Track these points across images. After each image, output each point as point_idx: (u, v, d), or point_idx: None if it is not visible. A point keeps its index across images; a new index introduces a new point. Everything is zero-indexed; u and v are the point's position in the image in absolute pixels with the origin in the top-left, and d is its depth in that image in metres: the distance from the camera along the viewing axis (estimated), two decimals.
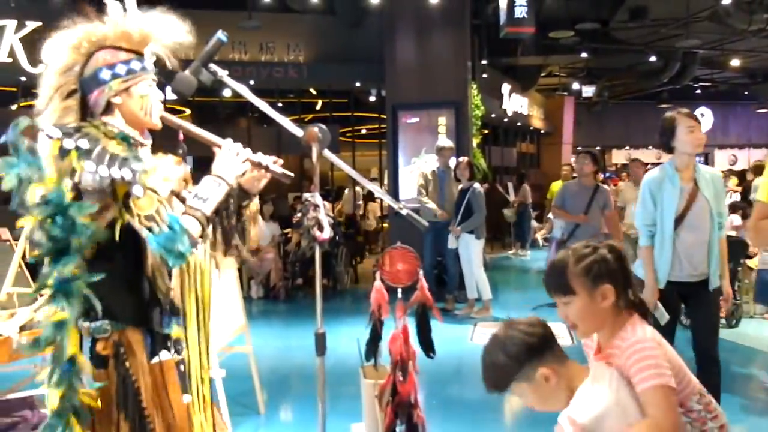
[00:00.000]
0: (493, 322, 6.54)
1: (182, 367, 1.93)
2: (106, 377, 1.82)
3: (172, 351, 1.89)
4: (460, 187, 7.13)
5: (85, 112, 1.86)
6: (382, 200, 12.64)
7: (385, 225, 11.74)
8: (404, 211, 2.03)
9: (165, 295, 1.85)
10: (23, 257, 3.25)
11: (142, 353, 1.84)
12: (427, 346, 2.85)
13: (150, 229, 1.72)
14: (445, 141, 7.68)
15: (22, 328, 3.11)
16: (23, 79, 8.86)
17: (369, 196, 13.80)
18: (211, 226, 1.94)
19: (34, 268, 1.83)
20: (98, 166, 1.69)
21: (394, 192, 8.79)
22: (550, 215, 8.68)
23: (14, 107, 9.25)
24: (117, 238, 1.74)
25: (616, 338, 1.77)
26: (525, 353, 1.72)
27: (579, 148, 18.61)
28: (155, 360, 1.86)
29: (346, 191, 12.86)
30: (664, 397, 1.63)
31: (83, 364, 1.72)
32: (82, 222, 1.66)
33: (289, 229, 9.20)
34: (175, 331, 1.90)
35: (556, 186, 10.81)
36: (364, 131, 14.65)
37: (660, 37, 13.61)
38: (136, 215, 1.72)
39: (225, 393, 3.82)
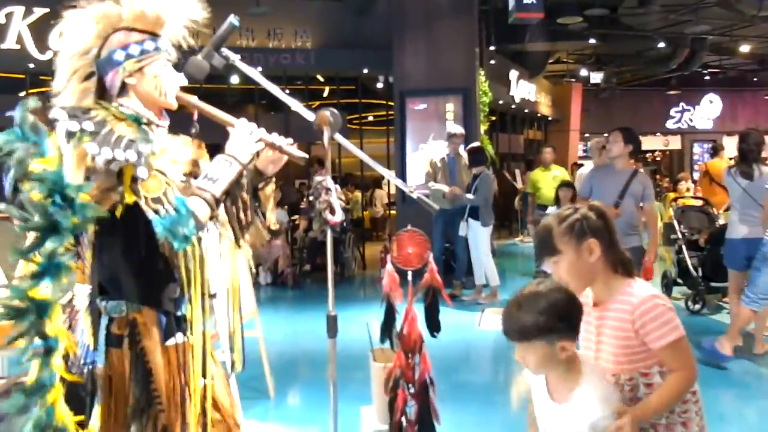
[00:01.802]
0: (501, 308, 6.55)
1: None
2: (121, 357, 1.85)
3: (189, 333, 1.91)
4: (473, 173, 7.16)
5: (104, 93, 1.88)
6: (389, 187, 12.67)
7: (392, 212, 11.76)
8: (415, 195, 2.05)
9: (180, 278, 1.87)
10: None
11: (157, 334, 1.86)
12: (434, 326, 2.87)
13: (156, 212, 1.73)
14: (455, 127, 7.66)
15: None
16: (31, 66, 8.88)
17: (376, 183, 13.81)
18: (223, 207, 1.95)
19: None
20: (102, 147, 1.70)
21: (401, 179, 8.79)
22: (549, 210, 6.85)
23: (22, 94, 9.26)
24: (119, 217, 1.76)
25: (622, 294, 1.84)
26: (565, 312, 1.76)
27: (587, 135, 18.57)
28: (171, 342, 1.88)
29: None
30: (684, 349, 1.81)
31: (67, 342, 1.70)
32: (81, 202, 1.66)
33: (296, 216, 9.23)
34: (194, 312, 1.92)
35: (537, 176, 9.00)
36: (371, 118, 14.63)
37: (669, 23, 13.50)
38: (143, 197, 1.74)
39: (235, 377, 3.86)
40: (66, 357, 1.72)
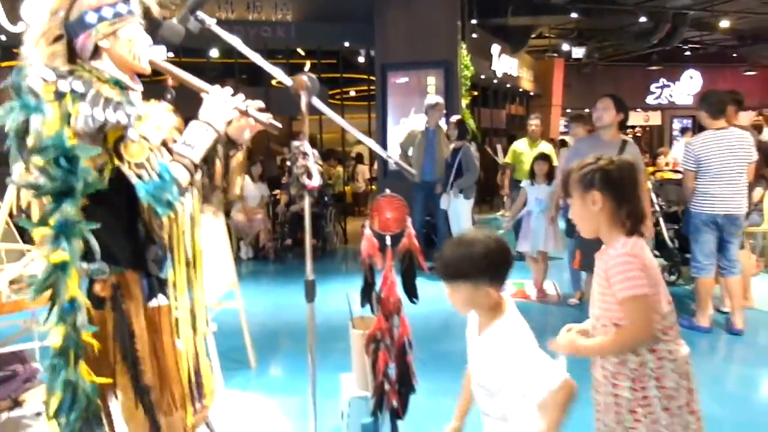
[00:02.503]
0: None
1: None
2: (103, 318, 1.86)
3: (170, 296, 1.92)
4: (451, 146, 7.13)
5: (73, 57, 1.85)
6: (371, 162, 12.66)
7: (374, 188, 11.76)
8: (392, 161, 2.06)
9: (161, 240, 1.88)
10: (10, 215, 3.25)
11: (139, 296, 1.87)
12: (411, 292, 2.91)
13: (140, 177, 1.73)
14: (434, 98, 7.62)
15: (12, 283, 3.14)
16: (2, 38, 8.69)
17: (358, 159, 13.79)
18: (199, 173, 1.95)
19: (21, 229, 1.83)
20: (93, 108, 1.69)
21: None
22: (523, 184, 6.27)
23: None
24: (106, 183, 1.75)
25: (611, 247, 1.95)
26: (496, 262, 1.89)
27: (568, 111, 18.62)
28: (152, 304, 1.89)
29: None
30: (641, 307, 1.86)
31: (83, 305, 1.73)
32: (85, 165, 1.67)
33: (278, 191, 9.21)
34: (172, 276, 1.93)
35: (521, 149, 7.98)
36: (353, 93, 14.56)
37: None
38: (127, 162, 1.74)
39: (216, 348, 3.88)
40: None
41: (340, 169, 12.38)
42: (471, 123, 9.80)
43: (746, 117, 6.18)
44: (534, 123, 7.87)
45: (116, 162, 1.75)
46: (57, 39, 1.83)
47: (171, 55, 2.00)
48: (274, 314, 5.78)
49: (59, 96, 1.69)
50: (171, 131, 1.97)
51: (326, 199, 9.10)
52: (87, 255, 1.81)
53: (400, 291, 2.84)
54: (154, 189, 1.74)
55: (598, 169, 1.94)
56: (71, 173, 1.65)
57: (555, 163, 6.61)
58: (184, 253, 1.95)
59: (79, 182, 1.66)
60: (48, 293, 1.69)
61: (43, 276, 1.68)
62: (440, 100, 7.49)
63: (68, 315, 1.69)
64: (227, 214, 7.87)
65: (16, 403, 3.10)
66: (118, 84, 1.84)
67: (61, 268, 1.67)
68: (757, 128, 8.97)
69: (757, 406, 3.71)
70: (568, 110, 18.60)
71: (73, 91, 1.70)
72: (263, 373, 4.33)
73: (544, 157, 6.21)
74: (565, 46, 17.79)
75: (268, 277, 7.82)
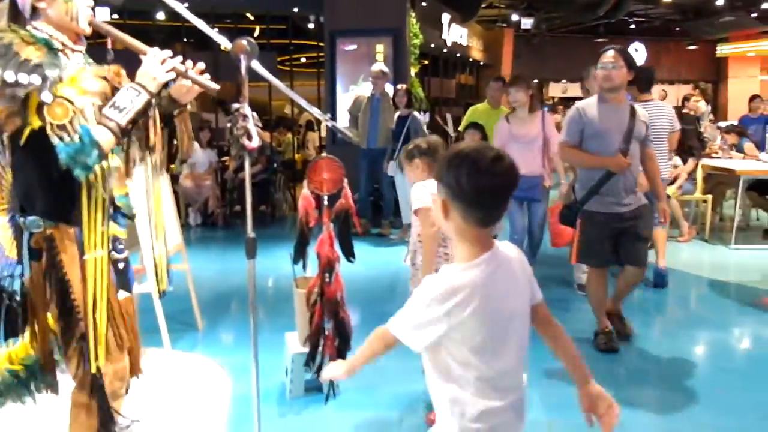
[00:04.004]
0: None
1: (120, 265, 2.04)
2: (39, 269, 1.94)
3: (107, 249, 2.00)
4: (398, 114, 7.21)
5: (17, 16, 1.89)
6: (320, 130, 12.65)
7: (324, 154, 11.75)
8: (329, 123, 2.15)
9: (96, 196, 1.95)
10: None
11: (74, 248, 1.94)
12: (348, 251, 3.05)
13: (61, 138, 1.79)
14: (379, 65, 7.68)
15: None
16: None
17: (309, 126, 13.74)
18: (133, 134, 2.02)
19: None
20: (5, 70, 1.74)
21: (332, 120, 8.81)
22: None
23: None
24: (27, 142, 1.82)
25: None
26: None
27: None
28: (87, 256, 1.96)
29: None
30: (425, 215, 2.78)
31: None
32: None
33: (226, 157, 9.17)
34: (112, 230, 2.00)
35: (480, 116, 6.34)
36: (304, 60, 14.43)
37: None
38: (49, 123, 1.79)
39: (163, 310, 3.94)
40: None
41: (289, 136, 12.34)
42: (419, 92, 9.89)
43: (686, 89, 6.47)
44: (495, 86, 6.60)
45: (37, 123, 1.81)
46: None
47: (115, 17, 2.03)
48: (222, 278, 5.84)
49: None
50: (99, 95, 1.99)
51: (275, 165, 9.12)
52: (24, 209, 1.88)
53: (336, 249, 2.97)
54: (74, 152, 1.80)
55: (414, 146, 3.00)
56: None
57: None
58: (100, 206, 2.01)
59: None
60: None
61: None
62: (382, 67, 7.54)
63: None
64: (174, 180, 7.83)
65: None
66: (47, 44, 1.88)
67: None
68: (686, 99, 9.40)
69: (679, 354, 3.98)
70: None
71: None
72: (210, 335, 4.42)
73: (476, 126, 5.46)
74: (515, 17, 17.94)
75: (216, 243, 7.84)
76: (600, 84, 3.84)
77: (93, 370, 1.97)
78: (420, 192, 2.89)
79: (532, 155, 5.01)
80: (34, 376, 2.02)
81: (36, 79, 1.77)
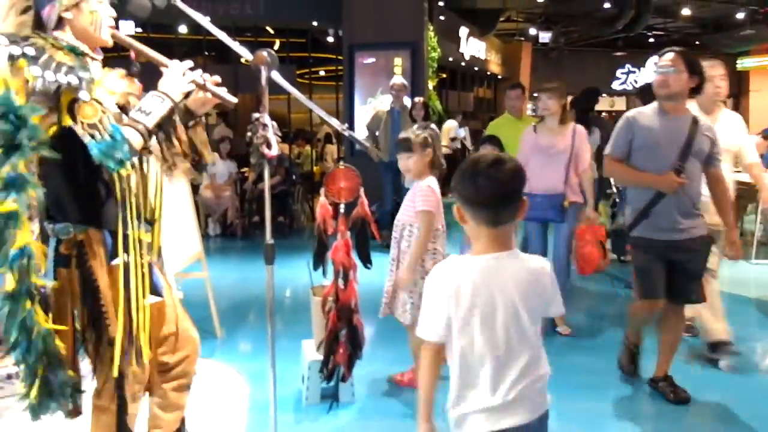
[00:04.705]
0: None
1: (145, 270, 2.09)
2: (69, 275, 1.99)
3: (137, 253, 2.05)
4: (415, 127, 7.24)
5: (40, 27, 1.97)
6: (339, 142, 12.75)
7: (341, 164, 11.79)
8: (347, 133, 2.20)
9: (125, 200, 2.01)
10: None
11: (102, 254, 2.00)
12: (365, 257, 3.10)
13: (92, 137, 1.86)
14: (398, 78, 7.75)
15: None
16: None
17: (327, 139, 13.84)
18: (154, 139, 2.08)
19: None
20: (44, 71, 1.82)
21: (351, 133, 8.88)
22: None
23: None
24: (56, 141, 1.87)
25: (420, 180, 3.25)
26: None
27: (535, 95, 18.87)
28: (116, 261, 2.02)
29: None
30: (427, 218, 3.14)
31: (36, 252, 1.84)
32: (33, 123, 1.79)
33: (246, 168, 9.26)
34: (142, 234, 2.06)
35: (502, 129, 5.60)
36: (322, 73, 14.57)
37: None
38: (80, 122, 1.86)
39: None
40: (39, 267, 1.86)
41: (308, 148, 12.44)
42: (437, 105, 9.95)
43: None
44: (514, 95, 6.00)
45: (69, 122, 1.87)
46: (26, 10, 1.97)
47: (139, 30, 2.12)
48: (240, 287, 5.90)
49: (11, 59, 1.81)
50: (123, 96, 2.09)
51: (294, 177, 9.20)
52: (53, 216, 1.94)
53: (352, 257, 3.02)
54: (106, 147, 1.87)
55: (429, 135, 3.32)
56: (19, 129, 1.76)
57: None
58: (140, 209, 2.07)
59: (27, 139, 1.77)
60: None
61: None
62: (401, 80, 7.60)
63: (17, 261, 1.79)
64: (195, 190, 7.93)
65: None
66: (73, 51, 1.97)
67: (9, 217, 1.77)
68: None
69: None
70: (535, 94, 18.86)
71: (24, 55, 1.82)
72: (229, 343, 4.47)
73: (492, 139, 5.06)
74: (533, 31, 18.00)
75: (235, 253, 7.92)
76: (656, 91, 3.35)
77: (115, 374, 2.02)
78: (428, 195, 3.15)
79: (555, 170, 4.41)
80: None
81: (73, 79, 1.85)
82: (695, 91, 3.34)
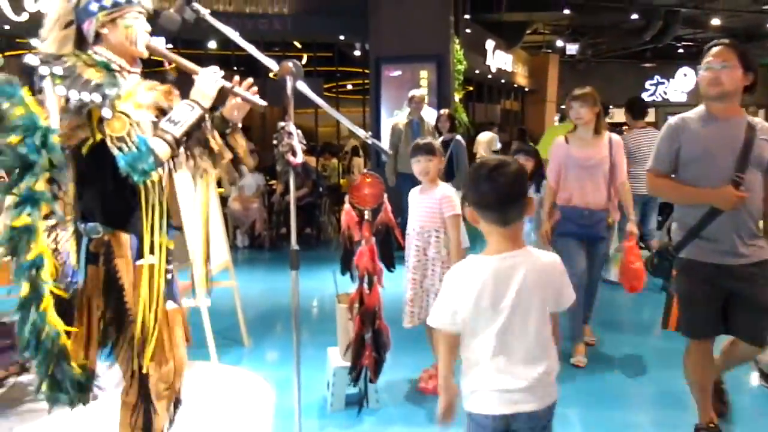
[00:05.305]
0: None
1: (168, 276, 2.18)
2: (97, 273, 2.09)
3: (161, 257, 2.15)
4: (441, 139, 7.29)
5: (82, 41, 2.09)
6: (365, 155, 12.85)
7: (365, 170, 11.87)
8: (370, 141, 2.26)
9: (150, 206, 2.11)
10: None
11: (128, 255, 2.10)
12: (389, 262, 3.16)
13: (120, 149, 1.96)
14: (416, 90, 7.73)
15: None
16: (7, 27, 8.86)
17: (354, 152, 13.97)
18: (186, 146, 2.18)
19: None
20: (69, 90, 1.94)
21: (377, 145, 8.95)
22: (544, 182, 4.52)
23: None
24: (89, 154, 2.01)
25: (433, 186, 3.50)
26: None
27: (562, 107, 18.81)
28: (140, 262, 2.10)
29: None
30: (457, 221, 3.42)
31: (49, 261, 1.96)
32: (52, 142, 1.91)
33: (274, 181, 9.39)
34: (162, 239, 2.15)
35: (555, 134, 5.18)
36: (349, 87, 14.72)
37: None
38: (109, 136, 1.98)
39: (211, 326, 4.07)
40: (53, 274, 1.97)
41: (335, 161, 12.57)
42: (463, 117, 9.99)
43: None
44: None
45: (99, 136, 1.99)
46: (69, 24, 2.10)
47: (170, 46, 2.23)
48: (267, 297, 5.98)
49: (41, 79, 1.94)
50: (152, 107, 2.18)
51: (321, 189, 9.29)
52: (85, 216, 2.05)
53: (377, 262, 3.08)
54: (132, 159, 1.98)
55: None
56: (36, 151, 1.89)
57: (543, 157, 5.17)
58: (160, 216, 2.16)
59: (41, 158, 1.90)
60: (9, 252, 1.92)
61: (5, 236, 1.91)
62: (420, 92, 7.60)
63: (29, 271, 1.91)
64: (223, 202, 8.06)
65: (24, 369, 3.30)
66: (106, 66, 2.08)
67: (25, 230, 1.90)
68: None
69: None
70: (562, 106, 18.80)
71: (52, 75, 1.94)
72: (255, 350, 4.53)
73: (527, 151, 4.79)
74: (560, 43, 17.98)
75: (262, 264, 8.02)
76: (704, 90, 2.85)
77: (139, 369, 2.11)
78: (452, 200, 3.43)
79: (595, 184, 4.07)
80: (92, 377, 2.17)
81: (96, 97, 1.96)
82: (749, 90, 2.84)
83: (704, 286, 2.83)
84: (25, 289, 1.90)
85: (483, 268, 1.80)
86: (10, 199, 1.92)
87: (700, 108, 2.90)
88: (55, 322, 1.94)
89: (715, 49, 2.80)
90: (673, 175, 2.92)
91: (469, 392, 1.85)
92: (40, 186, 1.90)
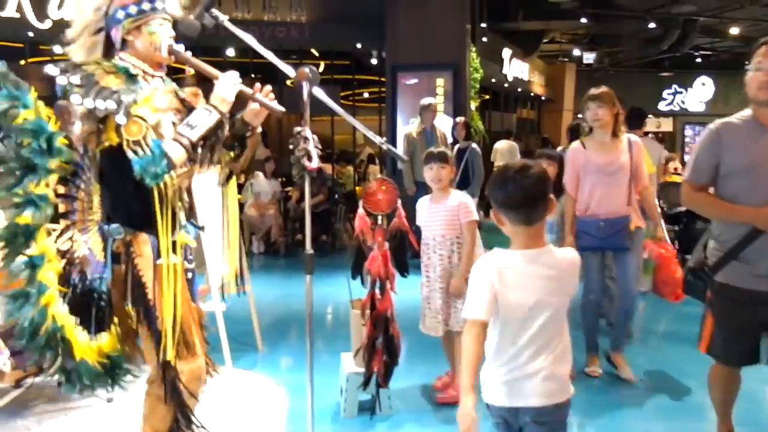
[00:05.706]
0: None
1: (189, 275, 2.23)
2: (121, 272, 2.16)
3: (180, 255, 2.20)
4: (457, 147, 7.31)
5: (110, 46, 2.16)
6: (381, 163, 12.89)
7: (379, 176, 11.91)
8: (385, 146, 2.28)
9: (169, 207, 2.16)
10: None
11: (149, 254, 2.15)
12: (402, 266, 3.18)
13: (135, 153, 2.03)
14: (428, 99, 7.71)
15: None
16: (30, 34, 8.99)
17: (370, 159, 14.01)
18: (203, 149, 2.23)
19: None
20: (84, 98, 2.01)
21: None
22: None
23: (22, 63, 9.39)
24: (108, 157, 2.10)
25: (445, 194, 3.50)
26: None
27: (579, 116, 18.73)
28: (159, 261, 2.16)
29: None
30: (474, 227, 3.46)
31: (51, 259, 2.07)
32: (58, 146, 2.01)
33: (290, 187, 9.44)
34: (183, 239, 2.21)
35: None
36: (366, 95, 14.77)
37: (659, 3, 13.64)
38: (125, 140, 2.04)
39: (226, 330, 4.10)
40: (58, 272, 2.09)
41: (350, 168, 12.61)
42: (479, 125, 9.99)
43: None
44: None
45: (116, 140, 2.07)
46: (98, 31, 2.18)
47: (189, 53, 2.29)
48: (282, 303, 6.00)
49: (60, 89, 2.04)
50: (167, 112, 2.24)
51: (336, 197, 9.33)
52: (108, 218, 2.12)
53: (390, 267, 3.09)
54: (145, 163, 2.04)
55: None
56: (39, 154, 1.98)
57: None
58: (173, 217, 2.22)
59: (44, 161, 2.00)
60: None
61: (1, 235, 2.01)
62: (431, 100, 7.58)
63: (28, 265, 2.02)
64: (240, 209, 8.12)
65: (41, 370, 3.33)
66: (126, 72, 2.14)
67: (24, 229, 2.01)
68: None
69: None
70: (579, 115, 18.71)
71: (69, 84, 2.03)
72: (269, 355, 4.56)
73: (551, 156, 4.73)
74: (576, 52, 17.93)
75: (278, 271, 8.05)
76: (753, 94, 2.50)
77: (167, 360, 2.16)
78: (470, 206, 3.49)
79: (616, 190, 3.82)
80: (119, 367, 2.24)
81: (111, 105, 2.03)
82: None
83: (741, 314, 2.58)
84: (19, 283, 2.00)
85: (508, 261, 1.88)
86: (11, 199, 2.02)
87: (746, 113, 2.56)
88: (58, 317, 2.01)
89: (765, 48, 2.46)
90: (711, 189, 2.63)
91: (483, 382, 1.93)
92: (41, 188, 1.99)
